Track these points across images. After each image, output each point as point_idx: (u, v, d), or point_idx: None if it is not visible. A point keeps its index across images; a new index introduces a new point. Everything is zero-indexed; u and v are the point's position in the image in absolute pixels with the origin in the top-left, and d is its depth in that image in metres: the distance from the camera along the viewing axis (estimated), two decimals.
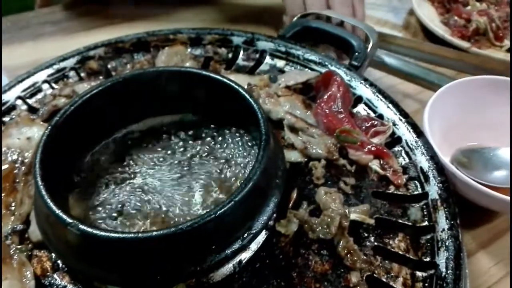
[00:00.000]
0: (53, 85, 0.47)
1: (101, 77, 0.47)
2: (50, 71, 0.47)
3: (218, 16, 0.68)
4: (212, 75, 0.36)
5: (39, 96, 0.45)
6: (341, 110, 0.40)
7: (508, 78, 0.46)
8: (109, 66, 0.49)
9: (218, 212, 0.26)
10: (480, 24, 0.60)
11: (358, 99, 0.45)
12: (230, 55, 0.50)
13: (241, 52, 0.50)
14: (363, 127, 0.41)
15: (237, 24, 0.66)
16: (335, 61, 0.47)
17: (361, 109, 0.44)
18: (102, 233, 0.26)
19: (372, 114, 0.43)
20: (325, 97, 0.41)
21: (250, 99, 0.33)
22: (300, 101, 0.42)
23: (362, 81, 0.45)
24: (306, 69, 0.48)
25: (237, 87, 0.34)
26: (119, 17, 0.68)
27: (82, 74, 0.48)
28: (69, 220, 0.26)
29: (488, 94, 0.46)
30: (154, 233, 0.26)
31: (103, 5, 0.71)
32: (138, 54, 0.50)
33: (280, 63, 0.49)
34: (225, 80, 0.35)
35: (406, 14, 0.71)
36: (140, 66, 0.47)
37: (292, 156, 0.37)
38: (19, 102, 0.45)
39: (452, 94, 0.46)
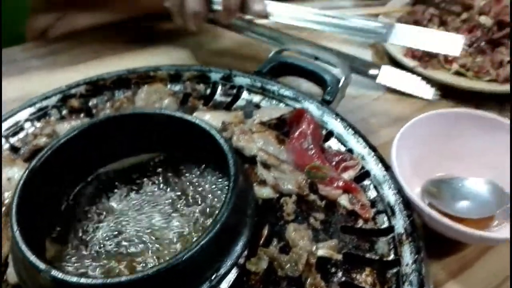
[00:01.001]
0: (35, 123, 0.48)
1: (82, 115, 0.49)
2: (32, 109, 0.49)
3: (198, 51, 0.70)
4: (185, 116, 0.37)
5: (21, 135, 0.47)
6: (312, 146, 0.42)
7: (478, 112, 0.48)
8: (90, 103, 0.50)
9: (185, 256, 0.28)
10: None
11: (330, 134, 0.46)
12: (208, 91, 0.52)
13: (219, 88, 0.52)
14: (334, 162, 0.43)
15: (215, 59, 0.68)
16: (308, 97, 0.49)
17: (332, 143, 0.46)
18: (74, 279, 0.27)
19: (343, 148, 0.45)
20: (296, 134, 0.42)
21: (220, 140, 0.35)
22: (274, 137, 0.44)
23: (334, 116, 0.47)
24: (281, 104, 0.50)
25: (208, 128, 0.36)
26: (108, 51, 0.70)
27: (64, 112, 0.49)
28: (41, 266, 0.27)
29: (455, 126, 0.48)
30: (123, 278, 0.27)
31: (92, 38, 0.72)
32: (119, 91, 0.52)
33: (256, 98, 0.51)
34: (196, 121, 0.37)
35: None
36: (120, 104, 0.49)
37: (264, 192, 0.39)
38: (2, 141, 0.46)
39: (421, 127, 0.48)
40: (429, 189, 0.47)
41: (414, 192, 0.46)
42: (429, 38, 0.54)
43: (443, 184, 0.48)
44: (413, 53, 0.64)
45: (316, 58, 0.55)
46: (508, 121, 0.47)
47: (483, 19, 0.66)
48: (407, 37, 0.55)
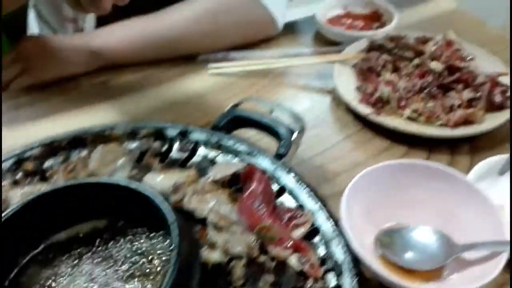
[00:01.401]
0: None
1: (36, 178, 0.49)
2: None
3: (154, 105, 0.71)
4: (129, 185, 0.38)
5: None
6: (262, 205, 0.42)
7: (424, 162, 0.50)
8: (45, 165, 0.50)
9: None
10: (384, 93, 0.65)
11: (282, 189, 0.47)
12: (164, 148, 0.53)
13: (175, 144, 0.53)
14: (285, 219, 0.43)
15: (172, 115, 0.69)
16: (262, 151, 0.50)
17: (284, 199, 0.47)
18: None
19: (295, 204, 0.46)
20: (246, 194, 0.43)
21: (164, 210, 0.35)
22: (227, 195, 0.45)
23: (286, 171, 0.48)
24: (236, 159, 0.51)
25: (152, 195, 0.37)
26: (69, 106, 0.70)
27: (19, 176, 0.49)
28: None
29: (404, 176, 0.50)
30: None
31: (54, 92, 0.73)
32: (74, 151, 0.52)
33: (212, 154, 0.52)
34: (140, 188, 0.37)
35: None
36: (73, 166, 0.49)
37: (214, 256, 0.39)
38: None
39: (371, 178, 0.49)
40: (382, 239, 0.48)
41: (367, 243, 0.47)
42: None
43: (395, 234, 0.49)
44: (367, 100, 0.66)
45: (272, 112, 0.57)
46: (453, 171, 0.49)
47: (434, 65, 0.69)
48: None
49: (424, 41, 0.74)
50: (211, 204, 0.43)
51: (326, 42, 0.83)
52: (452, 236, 0.47)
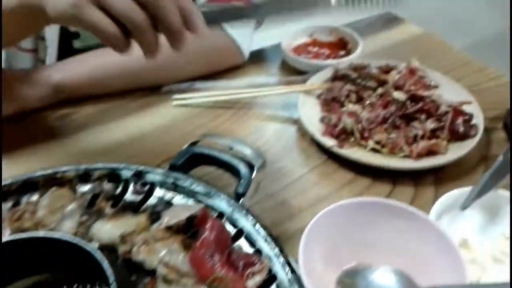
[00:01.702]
0: None
1: None
2: None
3: (115, 141, 0.69)
4: (70, 240, 0.36)
5: None
6: (215, 254, 0.41)
7: (384, 201, 0.49)
8: None
9: None
10: (347, 124, 0.65)
11: (239, 233, 0.46)
12: (118, 190, 0.51)
13: (130, 186, 0.51)
14: (240, 267, 0.42)
15: (134, 150, 0.67)
16: (220, 192, 0.49)
17: (242, 243, 0.45)
18: None
19: (252, 249, 0.44)
20: (199, 242, 0.41)
21: (105, 268, 0.33)
22: (179, 242, 0.43)
23: (244, 213, 0.47)
24: (192, 201, 0.49)
25: (93, 251, 0.35)
26: (33, 142, 0.68)
27: None
28: None
29: (363, 215, 0.49)
30: None
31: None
32: (25, 195, 0.50)
33: (168, 195, 0.50)
34: (80, 243, 0.35)
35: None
36: (20, 213, 0.46)
37: None
38: None
39: (330, 218, 0.48)
40: (344, 281, 0.47)
41: (328, 285, 0.46)
42: None
43: (357, 275, 0.47)
44: (330, 132, 0.66)
45: (231, 149, 0.56)
46: (413, 209, 0.48)
47: (397, 94, 0.69)
48: None
49: (387, 70, 0.74)
50: (161, 254, 0.42)
51: (293, 71, 0.83)
52: (414, 277, 0.46)
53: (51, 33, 0.78)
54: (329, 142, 0.65)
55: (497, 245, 0.53)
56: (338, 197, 0.60)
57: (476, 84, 0.80)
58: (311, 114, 0.70)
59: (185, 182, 0.50)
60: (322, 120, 0.69)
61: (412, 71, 0.74)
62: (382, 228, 0.49)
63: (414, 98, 0.68)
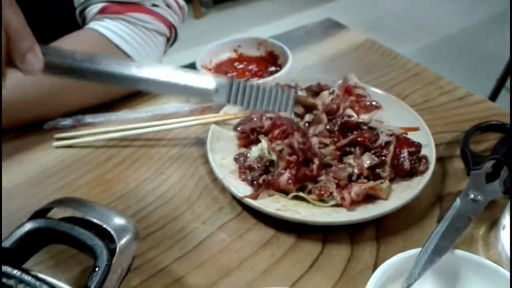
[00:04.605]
0: None
1: None
2: None
3: None
4: None
5: None
6: None
7: None
8: None
9: None
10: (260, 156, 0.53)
11: None
12: None
13: None
14: None
15: None
16: None
17: None
18: None
19: None
20: None
21: None
22: None
23: None
24: None
25: None
26: None
27: None
28: None
29: None
30: None
31: None
32: None
33: None
34: None
35: None
36: None
37: None
38: None
39: None
40: None
41: None
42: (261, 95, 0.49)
43: None
44: (244, 176, 0.51)
45: (92, 217, 0.40)
46: None
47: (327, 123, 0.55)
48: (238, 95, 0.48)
49: (317, 91, 0.60)
50: None
51: None
52: None
53: None
54: (243, 189, 0.50)
55: None
56: (251, 266, 0.46)
57: (427, 99, 0.68)
58: (225, 151, 0.56)
59: (11, 279, 0.35)
60: (236, 159, 0.54)
61: (348, 90, 0.60)
62: None
63: (346, 127, 0.54)
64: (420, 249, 0.42)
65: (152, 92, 0.46)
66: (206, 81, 0.47)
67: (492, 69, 1.65)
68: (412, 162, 0.51)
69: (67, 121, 0.63)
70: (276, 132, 0.54)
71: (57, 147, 0.60)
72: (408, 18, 2.56)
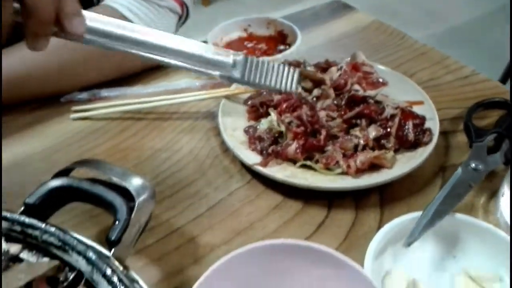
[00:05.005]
0: None
1: None
2: None
3: None
4: None
5: None
6: None
7: (301, 243, 0.37)
8: None
9: None
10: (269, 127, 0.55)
11: None
12: None
13: None
14: None
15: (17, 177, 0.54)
16: (79, 244, 0.36)
17: None
18: None
19: None
20: None
21: None
22: None
23: (108, 273, 0.34)
24: (43, 257, 0.36)
25: None
26: None
27: None
28: None
29: (277, 260, 0.37)
30: None
31: None
32: None
33: (14, 248, 0.37)
34: None
35: None
36: None
37: None
38: None
39: (233, 266, 0.36)
40: None
41: None
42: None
43: None
44: (254, 146, 0.54)
45: (112, 178, 0.43)
46: (340, 255, 0.36)
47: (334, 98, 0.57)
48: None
49: (326, 67, 0.62)
50: None
51: None
52: None
53: None
54: (253, 159, 0.52)
55: (456, 286, 0.42)
56: (261, 227, 0.48)
57: (433, 78, 0.69)
58: (235, 124, 0.58)
59: (36, 230, 0.37)
60: (246, 131, 0.56)
61: (355, 67, 0.62)
62: (300, 278, 0.37)
63: (354, 100, 0.56)
64: (421, 212, 0.44)
65: (174, 65, 0.47)
66: (225, 55, 0.49)
67: (500, 58, 1.64)
68: (416, 133, 0.53)
69: (83, 95, 0.65)
70: (285, 105, 0.56)
71: (74, 119, 0.62)
72: (417, 5, 2.55)
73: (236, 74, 0.49)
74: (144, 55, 0.47)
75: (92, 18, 0.44)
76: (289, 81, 0.51)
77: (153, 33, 0.47)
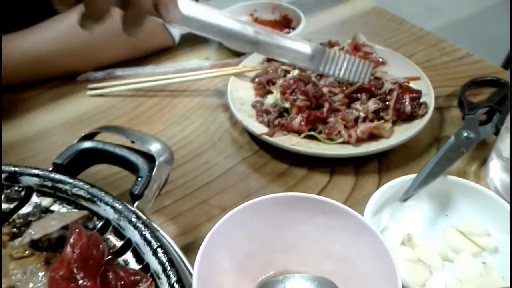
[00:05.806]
0: None
1: None
2: None
3: (21, 136, 0.60)
4: None
5: None
6: (81, 274, 0.32)
7: (306, 196, 0.41)
8: None
9: None
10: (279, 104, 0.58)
11: (128, 244, 0.37)
12: None
13: (4, 192, 0.42)
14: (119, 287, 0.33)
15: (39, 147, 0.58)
16: (106, 196, 0.40)
17: (129, 257, 0.37)
18: None
19: (137, 266, 0.36)
20: (57, 262, 0.32)
21: None
22: (41, 262, 0.34)
23: (134, 220, 0.38)
24: (73, 208, 0.40)
25: None
26: None
27: None
28: None
29: (284, 213, 0.41)
30: None
31: None
32: None
33: (46, 201, 0.41)
34: None
35: None
36: None
37: None
38: None
39: (242, 218, 0.40)
40: None
41: None
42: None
43: (277, 286, 0.39)
44: (262, 119, 0.58)
45: (133, 142, 0.47)
46: (343, 206, 0.40)
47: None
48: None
49: (328, 46, 0.65)
50: (17, 276, 0.33)
51: (231, 54, 0.74)
52: (343, 283, 0.38)
53: None
54: (260, 129, 0.56)
55: (448, 240, 0.46)
56: (268, 192, 0.51)
57: (429, 59, 0.73)
58: (243, 99, 0.62)
59: (66, 184, 0.41)
60: (254, 106, 0.60)
61: (356, 47, 0.66)
62: (306, 228, 0.41)
63: None
64: (413, 175, 0.48)
65: (260, 53, 0.52)
66: (304, 46, 0.50)
67: (502, 51, 1.67)
68: (413, 106, 0.57)
69: (99, 74, 0.69)
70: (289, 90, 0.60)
71: (91, 95, 0.66)
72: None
73: (313, 64, 0.51)
74: (236, 44, 0.49)
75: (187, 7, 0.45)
76: (363, 73, 0.51)
77: (240, 25, 0.48)
